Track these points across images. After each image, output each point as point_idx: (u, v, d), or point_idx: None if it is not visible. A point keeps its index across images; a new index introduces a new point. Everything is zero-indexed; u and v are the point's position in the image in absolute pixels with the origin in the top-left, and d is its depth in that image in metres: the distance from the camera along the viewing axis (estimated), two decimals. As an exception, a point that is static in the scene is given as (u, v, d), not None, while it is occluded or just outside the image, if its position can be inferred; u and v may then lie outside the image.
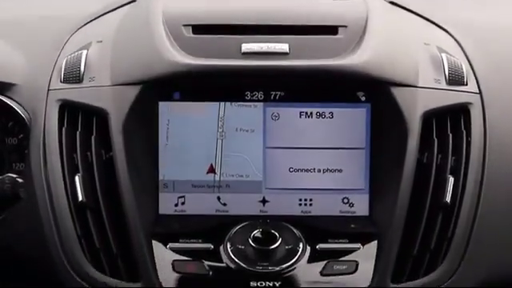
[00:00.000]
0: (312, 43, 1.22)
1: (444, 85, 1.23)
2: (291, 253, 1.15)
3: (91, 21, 1.38)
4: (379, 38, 1.24)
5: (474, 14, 1.46)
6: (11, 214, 1.22)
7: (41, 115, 1.22)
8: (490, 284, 1.21)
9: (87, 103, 1.21)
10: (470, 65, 1.29)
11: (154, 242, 1.16)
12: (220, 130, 1.21)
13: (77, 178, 1.17)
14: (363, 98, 1.21)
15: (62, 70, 1.25)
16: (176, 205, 1.22)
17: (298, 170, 1.21)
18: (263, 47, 1.20)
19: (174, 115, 1.21)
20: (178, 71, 1.19)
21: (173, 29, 1.23)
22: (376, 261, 1.15)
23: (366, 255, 1.16)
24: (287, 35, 1.22)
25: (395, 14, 1.36)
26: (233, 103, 1.21)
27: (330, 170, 1.21)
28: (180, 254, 1.16)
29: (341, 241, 1.17)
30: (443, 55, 1.27)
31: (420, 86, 1.22)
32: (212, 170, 1.21)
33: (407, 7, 1.40)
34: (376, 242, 1.16)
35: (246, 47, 1.20)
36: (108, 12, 1.39)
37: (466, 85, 1.25)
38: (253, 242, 1.14)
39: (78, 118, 1.21)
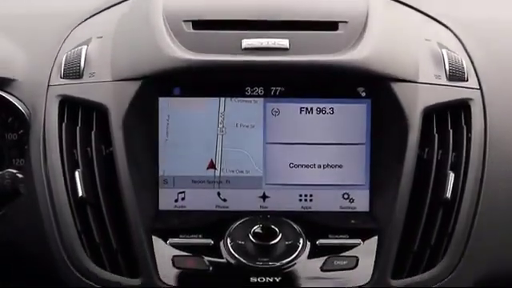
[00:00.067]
0: (312, 39, 1.22)
1: (444, 80, 1.23)
2: (291, 248, 1.15)
3: (91, 16, 1.38)
4: (380, 34, 1.23)
5: (474, 10, 1.46)
6: (11, 210, 1.22)
7: (41, 111, 1.22)
8: (489, 280, 1.21)
9: (87, 99, 1.21)
10: (471, 61, 1.29)
11: (154, 237, 1.16)
12: (220, 126, 1.21)
13: (77, 174, 1.17)
14: (363, 94, 1.21)
15: (62, 65, 1.25)
16: (176, 200, 1.22)
17: (298, 166, 1.21)
18: (263, 43, 1.20)
19: (174, 111, 1.21)
20: (179, 67, 1.19)
21: (173, 24, 1.23)
22: (376, 256, 1.15)
23: (366, 251, 1.16)
24: (287, 31, 1.22)
25: (396, 10, 1.36)
26: (233, 99, 1.21)
27: (331, 166, 1.21)
28: (180, 250, 1.16)
29: (341, 236, 1.17)
30: (444, 51, 1.27)
31: (420, 81, 1.21)
32: (212, 165, 1.21)
33: (408, 3, 1.40)
34: (376, 237, 1.17)
35: (247, 43, 1.20)
36: (108, 8, 1.39)
37: (467, 81, 1.25)
38: (253, 237, 1.14)
39: (78, 113, 1.21)
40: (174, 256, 1.15)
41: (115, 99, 1.19)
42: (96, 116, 1.20)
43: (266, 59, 1.19)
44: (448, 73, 1.24)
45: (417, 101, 1.19)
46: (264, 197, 1.22)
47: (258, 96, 1.21)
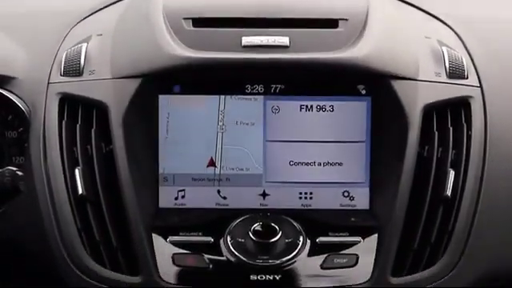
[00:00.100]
0: (312, 36, 1.22)
1: (444, 78, 1.23)
2: (291, 246, 1.15)
3: (91, 14, 1.38)
4: (380, 32, 1.23)
5: (475, 9, 1.46)
6: (11, 208, 1.22)
7: (41, 108, 1.22)
8: (489, 278, 1.20)
9: (87, 96, 1.21)
10: (471, 58, 1.29)
11: (153, 235, 1.16)
12: (220, 124, 1.21)
13: (77, 172, 1.17)
14: (364, 92, 1.21)
15: (62, 63, 1.25)
16: (176, 198, 1.22)
17: (298, 164, 1.21)
18: (263, 40, 1.20)
19: (174, 108, 1.21)
20: (178, 64, 1.19)
21: (173, 22, 1.23)
22: (376, 254, 1.15)
23: (366, 249, 1.16)
24: (287, 28, 1.22)
25: (396, 8, 1.36)
26: (233, 96, 1.21)
27: (331, 164, 1.21)
28: (180, 248, 1.16)
29: (341, 234, 1.17)
30: (444, 49, 1.27)
31: (420, 79, 1.21)
32: (212, 163, 1.21)
33: (408, 1, 1.40)
34: (376, 235, 1.16)
35: (247, 40, 1.20)
36: (108, 5, 1.39)
37: (467, 78, 1.24)
38: (253, 235, 1.14)
39: (78, 111, 1.21)
40: (174, 254, 1.15)
41: (115, 97, 1.19)
42: (96, 114, 1.20)
43: (266, 57, 1.19)
44: (448, 70, 1.24)
45: (417, 98, 1.19)
46: (264, 194, 1.22)
47: (258, 94, 1.21)
